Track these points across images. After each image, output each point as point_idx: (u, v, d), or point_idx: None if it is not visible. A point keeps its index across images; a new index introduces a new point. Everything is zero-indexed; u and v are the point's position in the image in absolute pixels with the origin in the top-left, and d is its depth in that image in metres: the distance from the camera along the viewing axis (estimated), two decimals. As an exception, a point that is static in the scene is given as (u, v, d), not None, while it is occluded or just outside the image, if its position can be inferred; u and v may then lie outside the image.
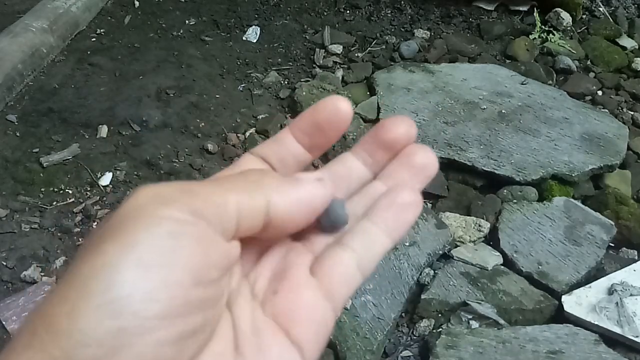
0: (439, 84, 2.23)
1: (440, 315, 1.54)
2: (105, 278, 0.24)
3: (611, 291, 1.52)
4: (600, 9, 2.71)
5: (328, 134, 0.35)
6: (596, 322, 1.46)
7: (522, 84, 2.24)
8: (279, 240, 0.34)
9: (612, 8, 2.73)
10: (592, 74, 2.39)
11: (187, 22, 2.65)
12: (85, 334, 0.24)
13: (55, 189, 1.86)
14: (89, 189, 1.87)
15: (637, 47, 2.54)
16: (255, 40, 2.55)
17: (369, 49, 2.50)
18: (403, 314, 1.55)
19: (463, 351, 1.41)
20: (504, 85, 2.23)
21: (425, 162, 0.36)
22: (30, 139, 2.02)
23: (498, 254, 1.66)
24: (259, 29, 2.60)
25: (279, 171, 0.36)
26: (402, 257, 1.60)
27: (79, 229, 1.75)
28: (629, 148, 2.01)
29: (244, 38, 2.56)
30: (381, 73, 2.31)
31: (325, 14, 2.71)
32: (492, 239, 1.72)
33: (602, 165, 1.89)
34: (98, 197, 1.84)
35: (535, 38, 2.51)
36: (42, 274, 1.62)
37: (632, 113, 2.20)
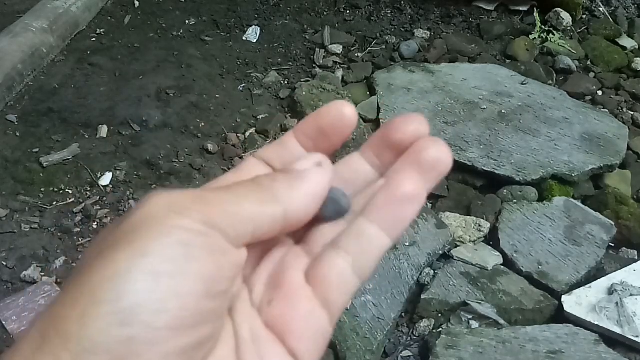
0: (439, 84, 2.23)
1: (440, 315, 1.54)
2: (116, 286, 0.25)
3: (611, 291, 1.52)
4: (600, 9, 2.71)
5: (332, 139, 0.35)
6: (596, 322, 1.46)
7: (522, 84, 2.24)
8: (279, 241, 0.33)
9: (612, 8, 2.73)
10: (592, 74, 2.39)
11: (187, 22, 2.65)
12: (95, 341, 0.24)
13: (55, 189, 1.86)
14: (89, 189, 1.87)
15: (637, 47, 2.54)
16: (255, 40, 2.55)
17: (369, 49, 2.50)
18: (403, 314, 1.55)
19: (463, 351, 1.41)
20: (504, 85, 2.23)
21: (437, 157, 0.32)
22: (30, 139, 2.02)
23: (498, 254, 1.66)
24: (259, 29, 2.60)
25: None
26: (402, 257, 1.60)
27: (79, 229, 1.75)
28: (629, 148, 2.01)
29: (244, 38, 2.56)
30: (381, 73, 2.31)
31: (325, 14, 2.71)
32: (492, 239, 1.72)
33: (602, 165, 1.89)
34: (98, 197, 1.84)
35: (535, 38, 2.51)
36: (42, 274, 1.62)
37: (632, 113, 2.20)
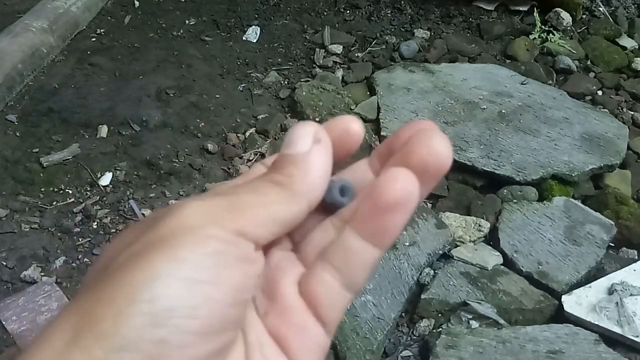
0: (439, 84, 2.23)
1: (440, 315, 1.54)
2: (152, 289, 0.25)
3: (611, 291, 1.52)
4: (600, 9, 2.71)
5: (338, 154, 0.34)
6: (596, 322, 1.46)
7: (522, 84, 2.24)
8: (278, 241, 0.33)
9: (612, 8, 2.74)
10: (592, 74, 2.39)
11: (187, 22, 2.65)
12: (128, 339, 0.25)
13: (55, 189, 1.86)
14: (89, 189, 1.87)
15: (637, 47, 2.54)
16: (255, 40, 2.55)
17: (369, 49, 2.50)
18: (403, 314, 1.55)
19: (463, 351, 1.41)
20: (504, 85, 2.23)
21: (435, 152, 0.30)
22: (30, 139, 2.02)
23: (498, 253, 1.66)
24: (259, 29, 2.60)
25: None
26: (402, 257, 1.60)
27: (78, 229, 1.75)
28: (629, 148, 2.01)
29: (244, 38, 2.56)
30: (381, 73, 2.31)
31: (325, 14, 2.71)
32: (492, 239, 1.72)
33: (602, 165, 1.89)
34: (98, 197, 1.84)
35: (535, 38, 2.51)
36: (42, 273, 1.63)
37: (632, 113, 2.20)
